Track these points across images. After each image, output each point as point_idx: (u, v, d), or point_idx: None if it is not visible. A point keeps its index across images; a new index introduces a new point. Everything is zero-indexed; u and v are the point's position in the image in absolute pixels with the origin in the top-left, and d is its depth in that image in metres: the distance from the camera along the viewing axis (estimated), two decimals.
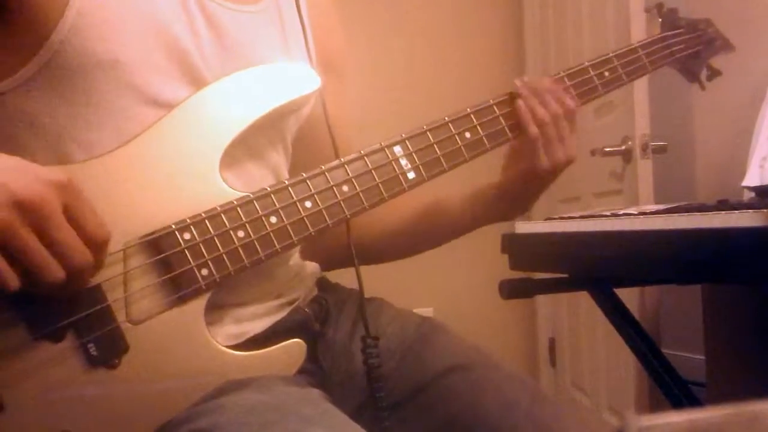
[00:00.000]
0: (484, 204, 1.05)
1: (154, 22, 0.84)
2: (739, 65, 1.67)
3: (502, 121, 0.97)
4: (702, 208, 1.07)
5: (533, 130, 0.97)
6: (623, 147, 2.01)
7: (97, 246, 0.72)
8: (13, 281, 0.66)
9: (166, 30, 0.84)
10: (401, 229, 1.09)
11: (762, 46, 1.61)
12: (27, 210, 0.66)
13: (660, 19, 1.18)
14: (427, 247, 1.13)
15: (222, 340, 0.82)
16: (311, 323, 0.95)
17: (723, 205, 1.06)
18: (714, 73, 1.22)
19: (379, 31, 2.84)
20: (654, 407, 1.94)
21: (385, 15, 2.87)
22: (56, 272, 0.68)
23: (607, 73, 1.06)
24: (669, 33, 1.16)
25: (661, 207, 1.24)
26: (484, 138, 0.95)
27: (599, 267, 1.32)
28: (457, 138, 0.93)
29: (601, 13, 2.20)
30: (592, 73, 1.05)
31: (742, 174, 1.40)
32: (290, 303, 0.94)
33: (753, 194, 1.37)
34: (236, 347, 0.83)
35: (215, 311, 0.83)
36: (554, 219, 1.48)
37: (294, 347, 0.86)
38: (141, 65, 0.82)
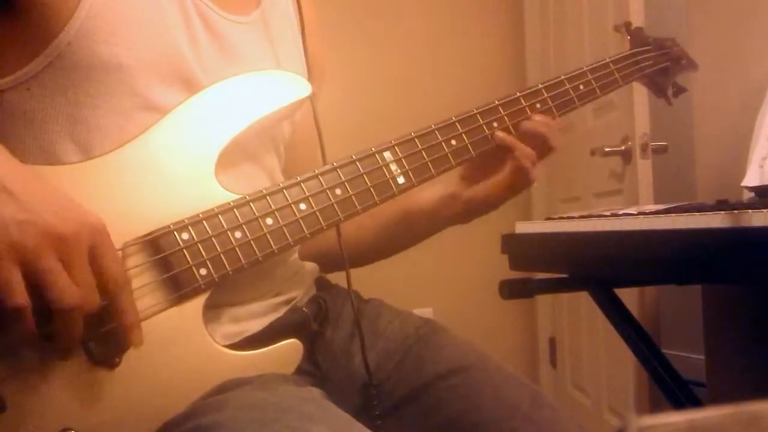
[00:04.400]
0: (452, 211, 1.05)
1: (157, 28, 0.84)
2: (739, 65, 1.68)
3: (485, 129, 1.00)
4: (702, 208, 1.07)
5: (535, 175, 1.01)
6: (623, 147, 2.01)
7: (118, 291, 0.73)
8: (23, 297, 0.67)
9: (170, 37, 0.85)
10: (376, 235, 1.09)
11: (762, 46, 1.61)
12: (58, 243, 0.68)
13: (629, 37, 1.23)
14: (396, 251, 1.13)
15: (220, 339, 0.83)
16: (309, 323, 0.95)
17: (723, 205, 1.06)
18: (679, 90, 1.27)
19: (378, 31, 2.84)
20: (654, 407, 1.94)
21: (384, 15, 2.87)
22: (75, 297, 0.69)
23: (581, 87, 1.10)
24: (638, 49, 1.21)
25: (661, 207, 1.24)
26: (469, 145, 0.98)
27: (599, 267, 1.32)
28: (444, 145, 0.96)
29: (602, 14, 2.20)
30: (568, 85, 1.09)
31: (742, 174, 1.40)
32: (288, 302, 0.94)
33: (753, 194, 1.37)
34: (234, 346, 0.84)
35: (213, 310, 0.84)
36: (554, 219, 1.48)
37: (291, 347, 0.86)
38: (143, 70, 0.83)
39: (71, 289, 0.69)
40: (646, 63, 1.20)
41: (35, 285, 0.67)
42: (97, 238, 0.71)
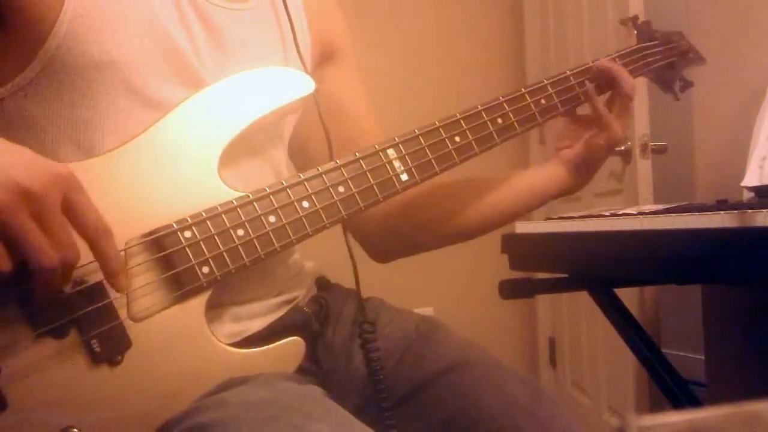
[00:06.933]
0: (553, 180, 1.10)
1: (149, 22, 0.84)
2: (739, 65, 1.68)
3: (489, 126, 1.00)
4: (701, 208, 1.07)
5: (602, 109, 1.06)
6: (623, 147, 2.00)
7: (98, 237, 0.72)
8: (5, 263, 0.66)
9: (162, 30, 0.85)
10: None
11: (762, 46, 1.61)
12: (28, 198, 0.66)
13: (635, 31, 1.22)
14: (459, 224, 1.09)
15: (222, 338, 0.83)
16: (311, 323, 0.96)
17: (722, 205, 1.06)
18: (686, 85, 1.25)
19: (379, 31, 2.84)
20: (654, 407, 1.94)
21: (385, 15, 2.86)
22: (51, 257, 0.67)
23: (587, 82, 1.09)
24: (645, 44, 1.19)
25: (661, 207, 1.24)
26: (473, 142, 0.98)
27: (599, 267, 1.32)
28: (447, 142, 0.96)
29: (602, 14, 2.20)
30: (573, 81, 1.08)
31: (742, 174, 1.40)
32: (289, 302, 0.95)
33: (752, 194, 1.37)
34: (236, 346, 0.84)
35: (214, 309, 0.84)
36: (554, 219, 1.49)
37: (293, 345, 0.86)
38: (137, 66, 0.83)
39: (46, 248, 0.67)
40: (653, 58, 1.18)
41: (10, 244, 0.66)
42: (68, 189, 0.69)
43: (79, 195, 0.71)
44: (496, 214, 1.09)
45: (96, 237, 0.71)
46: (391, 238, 1.11)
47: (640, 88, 1.90)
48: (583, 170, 1.11)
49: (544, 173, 1.10)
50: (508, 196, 1.08)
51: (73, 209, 0.70)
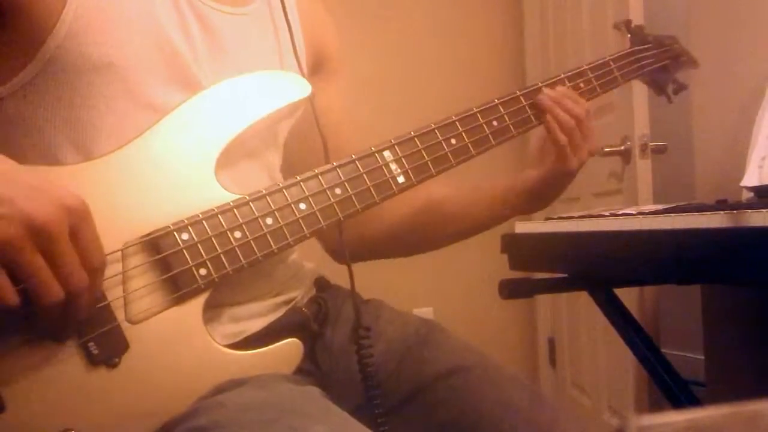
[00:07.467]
0: (503, 201, 1.08)
1: (149, 25, 0.84)
2: (739, 65, 1.68)
3: (485, 128, 1.00)
4: (701, 208, 1.07)
5: (562, 138, 1.02)
6: (622, 147, 2.01)
7: (93, 271, 0.71)
8: (12, 298, 0.66)
9: (161, 33, 0.85)
10: (399, 225, 1.10)
11: (761, 46, 1.61)
12: (35, 231, 0.66)
13: (629, 35, 1.23)
14: (430, 244, 1.15)
15: (220, 339, 0.83)
16: (309, 323, 0.96)
17: (722, 205, 1.06)
18: (680, 87, 1.27)
19: (379, 31, 2.84)
20: (653, 407, 1.94)
21: (385, 15, 2.86)
22: (57, 292, 0.68)
23: (582, 85, 1.10)
24: (638, 47, 1.20)
25: (660, 207, 1.24)
26: (469, 144, 0.98)
27: (598, 267, 1.32)
28: (443, 144, 0.96)
29: (601, 13, 2.20)
30: (568, 84, 1.09)
31: (741, 174, 1.40)
32: (288, 302, 0.95)
33: (752, 194, 1.37)
34: (234, 346, 0.84)
35: (213, 309, 0.84)
36: (554, 219, 1.48)
37: (291, 347, 0.86)
38: (136, 68, 0.83)
39: (52, 286, 0.67)
40: (647, 61, 1.20)
41: (17, 279, 0.67)
42: (75, 219, 0.69)
43: (85, 226, 0.71)
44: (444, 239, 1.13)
45: (89, 271, 0.71)
46: (400, 244, 1.13)
47: (639, 88, 1.90)
48: (534, 197, 1.08)
49: (501, 191, 1.09)
50: (463, 226, 1.11)
51: (77, 240, 0.70)
